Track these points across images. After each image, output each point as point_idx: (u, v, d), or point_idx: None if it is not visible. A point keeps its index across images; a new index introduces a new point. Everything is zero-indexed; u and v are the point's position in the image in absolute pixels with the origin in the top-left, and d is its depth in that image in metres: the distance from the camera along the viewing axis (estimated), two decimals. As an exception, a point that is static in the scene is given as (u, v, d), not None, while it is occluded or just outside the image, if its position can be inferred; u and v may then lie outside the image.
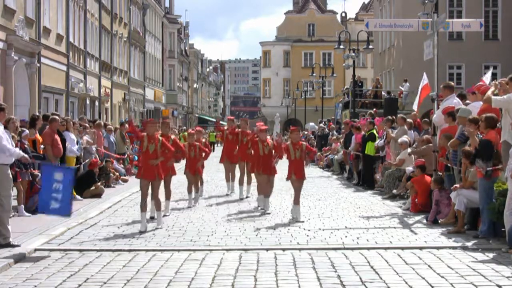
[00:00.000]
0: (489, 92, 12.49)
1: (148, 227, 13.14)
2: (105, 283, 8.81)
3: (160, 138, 13.70)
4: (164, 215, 14.35)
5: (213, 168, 27.60)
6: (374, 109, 29.19)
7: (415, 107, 19.84)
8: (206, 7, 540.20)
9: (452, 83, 16.57)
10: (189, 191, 16.98)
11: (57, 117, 17.17)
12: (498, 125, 12.20)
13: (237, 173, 19.53)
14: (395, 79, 46.46)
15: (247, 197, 18.47)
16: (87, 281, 8.88)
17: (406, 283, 8.69)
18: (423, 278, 8.85)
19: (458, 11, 41.27)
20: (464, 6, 41.34)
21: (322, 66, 65.14)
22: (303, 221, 14.01)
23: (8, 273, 9.36)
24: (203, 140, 18.44)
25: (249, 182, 18.59)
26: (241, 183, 18.71)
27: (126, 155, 25.89)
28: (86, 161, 19.42)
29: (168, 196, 15.27)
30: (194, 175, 17.06)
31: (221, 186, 21.49)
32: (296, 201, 14.53)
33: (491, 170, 11.66)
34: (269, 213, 15.26)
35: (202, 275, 9.22)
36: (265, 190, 15.81)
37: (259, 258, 10.40)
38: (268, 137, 17.17)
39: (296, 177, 14.57)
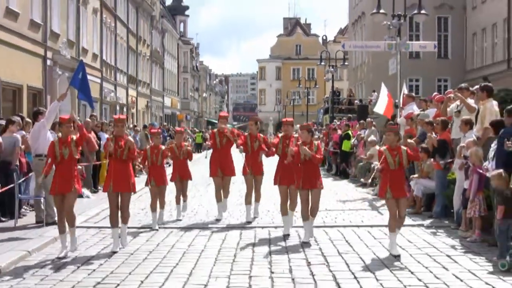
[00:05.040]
0: (453, 105, 12.45)
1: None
2: (132, 254, 8.81)
3: (128, 138, 9.48)
4: (114, 251, 8.97)
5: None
6: (349, 115, 29.14)
7: (379, 110, 19.61)
8: (213, 31, 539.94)
9: (413, 94, 16.61)
10: (153, 209, 11.27)
11: (89, 120, 17.12)
12: (449, 126, 12.29)
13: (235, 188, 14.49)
14: (365, 89, 46.41)
15: (255, 217, 12.04)
16: (117, 252, 8.87)
17: (374, 254, 8.72)
18: (388, 250, 8.85)
19: (416, 35, 41.24)
20: (421, 30, 41.31)
21: (307, 79, 65.29)
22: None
23: (54, 245, 9.40)
24: (186, 143, 12.87)
25: (257, 199, 12.08)
26: (249, 202, 11.88)
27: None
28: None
29: (125, 219, 9.33)
30: (159, 187, 11.38)
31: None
32: (399, 225, 9.02)
33: (448, 164, 11.69)
34: (306, 242, 9.48)
35: (210, 247, 9.22)
36: (306, 210, 9.66)
37: (256, 234, 10.39)
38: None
39: (394, 195, 8.71)
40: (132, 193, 9.38)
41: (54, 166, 9.04)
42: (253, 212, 11.96)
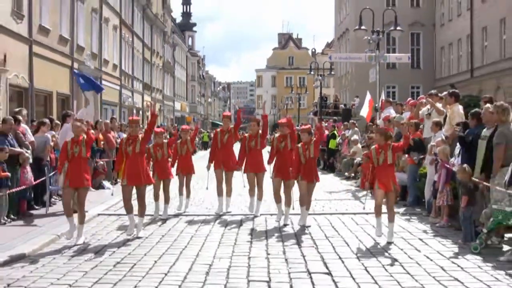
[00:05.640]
0: (424, 109, 12.51)
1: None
2: (147, 237, 8.83)
3: (140, 136, 8.99)
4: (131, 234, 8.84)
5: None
6: (335, 117, 29.02)
7: (364, 114, 19.68)
8: (217, 44, 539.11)
9: (390, 99, 16.64)
10: (155, 199, 10.87)
11: (108, 122, 17.16)
12: (421, 127, 12.33)
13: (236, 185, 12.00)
14: (349, 95, 46.42)
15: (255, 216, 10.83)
16: (134, 236, 8.86)
17: (357, 237, 8.74)
18: (369, 234, 8.92)
19: (393, 48, 41.28)
20: (397, 44, 41.36)
21: (298, 86, 65.10)
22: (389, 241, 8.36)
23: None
24: (188, 138, 11.63)
25: (260, 197, 10.92)
26: (252, 194, 10.92)
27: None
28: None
29: (141, 213, 9.05)
30: (162, 180, 10.71)
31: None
32: (391, 218, 8.49)
33: (421, 159, 11.73)
34: (309, 226, 9.60)
35: (214, 232, 9.24)
36: (304, 198, 9.67)
37: (254, 221, 10.38)
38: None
39: (382, 188, 8.46)
40: (147, 184, 9.01)
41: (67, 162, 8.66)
42: (255, 210, 10.89)
